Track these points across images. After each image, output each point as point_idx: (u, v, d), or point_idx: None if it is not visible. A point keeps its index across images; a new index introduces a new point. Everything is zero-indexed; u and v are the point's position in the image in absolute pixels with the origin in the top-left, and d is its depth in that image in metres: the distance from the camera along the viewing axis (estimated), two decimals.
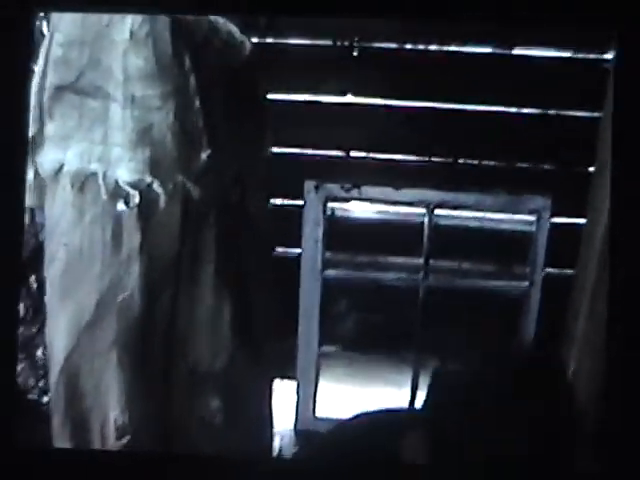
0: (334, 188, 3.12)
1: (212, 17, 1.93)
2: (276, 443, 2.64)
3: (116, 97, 1.86)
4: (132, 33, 1.84)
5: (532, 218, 3.14)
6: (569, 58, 2.99)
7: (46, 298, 1.97)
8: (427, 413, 1.51)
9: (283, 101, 2.99)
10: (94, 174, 1.87)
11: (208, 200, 1.89)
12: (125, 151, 1.85)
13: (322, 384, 3.21)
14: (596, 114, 2.84)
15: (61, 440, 1.89)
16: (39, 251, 2.46)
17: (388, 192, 3.12)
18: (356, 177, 3.11)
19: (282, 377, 2.91)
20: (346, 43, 3.02)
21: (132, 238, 1.86)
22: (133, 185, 1.86)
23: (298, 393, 3.14)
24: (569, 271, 2.87)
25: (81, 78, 1.89)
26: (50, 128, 1.93)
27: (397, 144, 3.11)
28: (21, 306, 2.83)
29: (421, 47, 3.03)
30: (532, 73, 2.98)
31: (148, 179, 1.85)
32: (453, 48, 3.02)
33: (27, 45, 1.42)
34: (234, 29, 1.99)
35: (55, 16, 1.91)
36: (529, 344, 1.54)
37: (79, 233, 1.88)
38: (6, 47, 1.39)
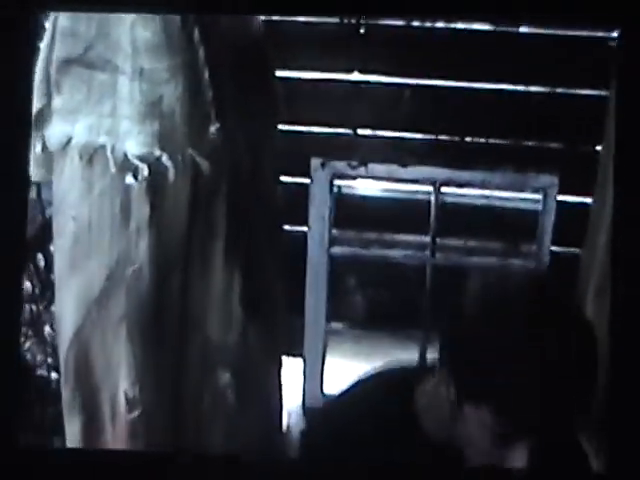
0: (341, 166, 3.11)
1: None
2: (284, 420, 2.64)
3: (124, 70, 1.85)
4: None
5: (539, 196, 3.13)
6: (577, 36, 2.97)
7: (55, 272, 1.97)
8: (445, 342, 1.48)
9: (290, 79, 2.98)
10: (102, 147, 1.86)
11: (218, 174, 1.88)
12: (134, 124, 1.84)
13: (329, 361, 3.21)
14: (604, 92, 2.83)
15: (71, 415, 1.89)
16: (46, 228, 2.46)
17: (395, 170, 3.11)
18: (363, 155, 3.10)
19: (289, 354, 2.91)
20: (353, 21, 3.00)
21: (141, 211, 1.85)
22: (142, 158, 1.85)
23: (305, 370, 3.15)
24: (576, 249, 2.86)
25: (89, 51, 1.88)
26: (58, 101, 1.92)
27: (404, 122, 3.10)
28: (28, 283, 2.84)
29: (428, 25, 3.01)
30: (540, 51, 2.97)
31: (157, 152, 1.84)
32: (460, 25, 3.00)
33: (27, 45, 1.42)
34: None
35: None
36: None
37: (87, 206, 1.87)
38: (6, 47, 1.39)
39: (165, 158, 1.84)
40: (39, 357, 2.87)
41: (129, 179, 1.85)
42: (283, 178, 2.42)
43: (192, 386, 1.90)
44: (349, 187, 3.29)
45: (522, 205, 3.26)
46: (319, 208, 3.13)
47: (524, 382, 1.32)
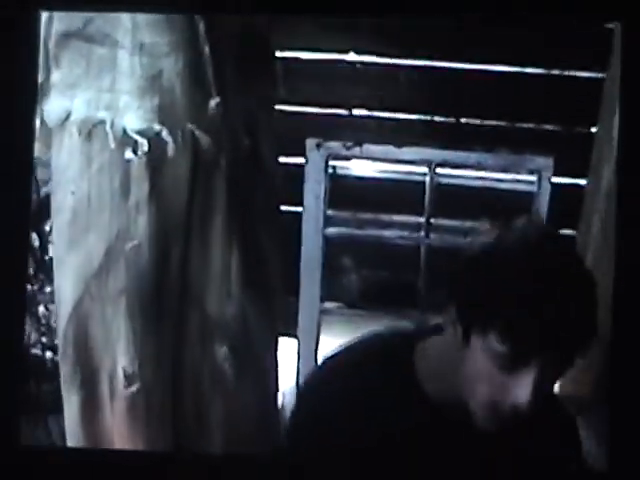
0: (336, 146, 3.11)
1: None
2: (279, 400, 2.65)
3: (124, 44, 1.84)
4: None
5: (534, 178, 3.14)
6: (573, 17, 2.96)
7: (53, 248, 1.96)
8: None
9: (285, 59, 2.97)
10: (102, 122, 1.86)
11: (218, 150, 1.88)
12: (133, 99, 1.84)
13: (324, 341, 3.22)
14: (599, 74, 2.84)
15: (70, 390, 1.89)
16: (41, 207, 2.45)
17: (390, 150, 3.11)
18: (358, 135, 3.10)
19: (284, 334, 2.91)
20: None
21: (140, 187, 1.85)
22: (141, 133, 1.84)
23: (299, 350, 3.15)
24: (570, 231, 2.87)
25: (88, 25, 1.86)
26: (56, 76, 1.91)
27: (399, 103, 3.10)
28: None
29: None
30: (535, 32, 2.97)
31: (157, 127, 1.84)
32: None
33: (27, 45, 1.41)
34: None
35: None
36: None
37: (87, 181, 1.87)
38: (6, 47, 1.38)
39: (165, 133, 1.84)
40: (33, 336, 2.86)
41: (128, 154, 1.85)
42: (279, 158, 2.42)
43: (190, 361, 1.90)
44: (344, 168, 3.29)
45: (517, 186, 3.26)
46: (314, 188, 3.13)
47: (529, 301, 1.36)
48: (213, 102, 1.86)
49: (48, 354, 2.77)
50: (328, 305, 3.21)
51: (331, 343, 3.23)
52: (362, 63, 3.09)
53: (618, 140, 1.40)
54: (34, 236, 2.89)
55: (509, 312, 1.36)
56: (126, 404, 1.84)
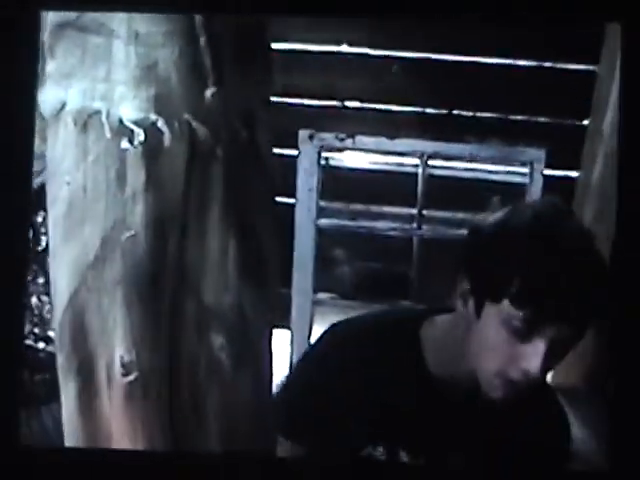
0: (329, 138, 3.12)
1: None
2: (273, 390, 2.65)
3: (119, 34, 1.82)
4: None
5: (526, 170, 3.16)
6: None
7: (49, 239, 1.95)
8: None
9: (278, 50, 2.97)
10: (97, 112, 1.84)
11: (215, 140, 1.87)
12: (129, 89, 1.82)
13: (316, 332, 3.22)
14: (592, 67, 2.85)
15: (67, 380, 1.88)
16: (33, 198, 2.44)
17: (382, 142, 3.12)
18: (351, 127, 3.11)
19: (277, 326, 2.91)
20: None
21: (136, 177, 1.84)
22: (137, 123, 1.83)
23: (292, 341, 3.16)
24: None
25: (83, 14, 1.85)
26: (51, 66, 1.90)
27: (392, 94, 3.11)
28: None
29: None
30: (528, 24, 2.97)
31: (153, 117, 1.82)
32: None
33: (27, 45, 1.40)
34: None
35: None
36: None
37: (82, 172, 1.85)
38: (6, 47, 1.37)
39: (161, 123, 1.83)
40: (27, 327, 2.86)
41: (124, 144, 1.84)
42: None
43: (187, 351, 1.90)
44: (337, 159, 3.30)
45: (509, 178, 3.28)
46: (307, 180, 3.14)
47: (545, 267, 1.37)
48: (209, 92, 1.85)
49: (41, 344, 2.77)
50: (321, 296, 3.21)
51: None
52: (355, 55, 3.09)
53: (618, 140, 1.41)
54: None
55: (526, 276, 1.37)
56: (123, 392, 1.84)
